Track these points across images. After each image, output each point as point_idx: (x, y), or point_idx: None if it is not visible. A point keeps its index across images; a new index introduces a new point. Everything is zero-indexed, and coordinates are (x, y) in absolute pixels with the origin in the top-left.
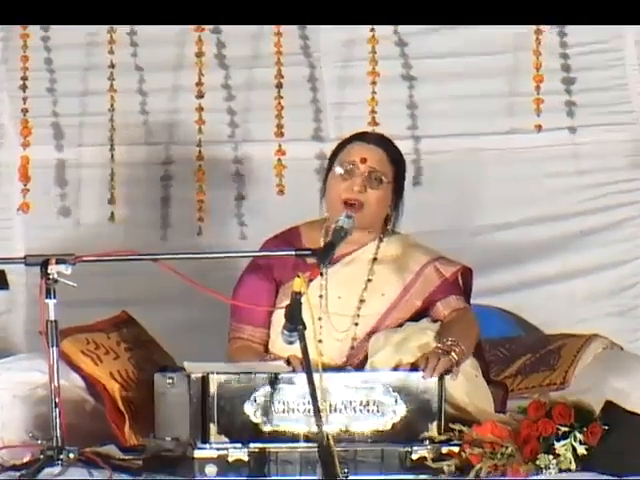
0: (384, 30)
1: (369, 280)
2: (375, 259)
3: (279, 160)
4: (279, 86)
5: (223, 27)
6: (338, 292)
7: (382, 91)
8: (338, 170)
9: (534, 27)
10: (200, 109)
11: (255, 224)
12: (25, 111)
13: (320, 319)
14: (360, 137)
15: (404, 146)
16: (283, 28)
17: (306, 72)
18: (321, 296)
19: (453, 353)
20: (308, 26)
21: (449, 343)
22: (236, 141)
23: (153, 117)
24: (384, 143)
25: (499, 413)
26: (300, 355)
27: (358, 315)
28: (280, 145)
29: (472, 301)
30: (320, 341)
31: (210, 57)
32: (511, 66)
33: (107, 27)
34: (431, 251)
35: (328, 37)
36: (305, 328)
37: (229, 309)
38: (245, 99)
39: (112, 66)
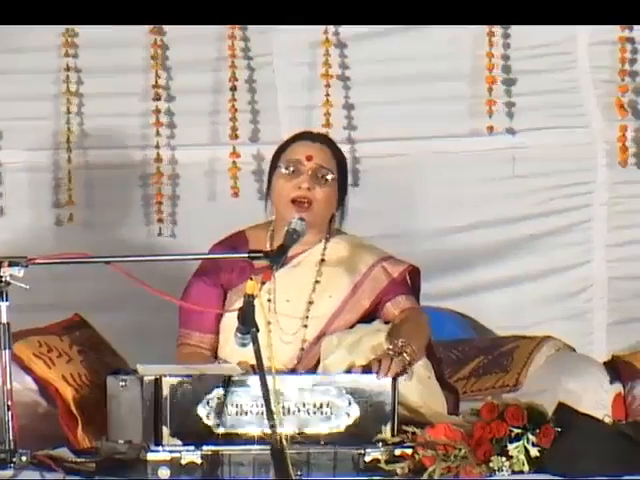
0: (325, 31)
1: (317, 282)
2: (323, 260)
3: (234, 163)
4: (233, 89)
5: (172, 30)
6: (286, 295)
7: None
8: (283, 170)
9: (486, 28)
10: (157, 111)
11: (204, 227)
12: None
13: (269, 323)
14: (303, 136)
15: (350, 149)
16: (234, 31)
17: (251, 75)
18: (269, 300)
19: (405, 354)
20: (256, 27)
21: (400, 344)
22: (179, 144)
23: (97, 121)
24: (327, 141)
25: (452, 415)
26: (251, 360)
27: (307, 317)
28: (235, 148)
29: (424, 303)
30: (269, 344)
31: (156, 60)
32: (463, 69)
33: (54, 30)
34: (378, 251)
35: (278, 39)
36: (258, 330)
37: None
38: (195, 102)
39: (58, 70)
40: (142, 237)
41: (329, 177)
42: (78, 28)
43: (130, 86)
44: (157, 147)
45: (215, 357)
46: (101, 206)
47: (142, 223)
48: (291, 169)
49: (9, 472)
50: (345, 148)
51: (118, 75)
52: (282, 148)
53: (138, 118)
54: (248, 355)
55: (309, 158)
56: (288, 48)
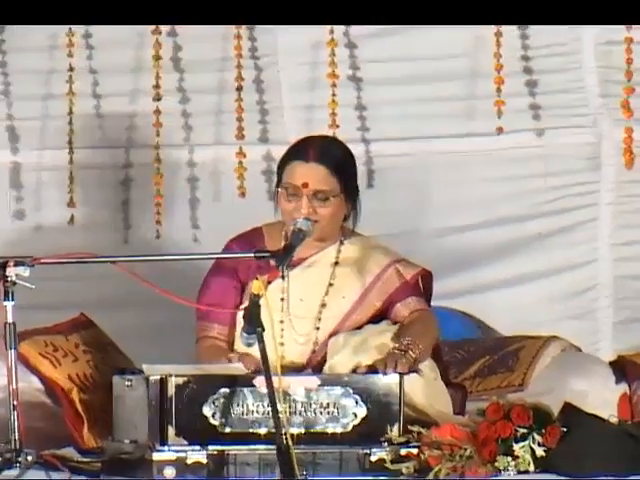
0: (335, 32)
1: (330, 284)
2: (337, 262)
3: (240, 163)
4: (239, 89)
5: (179, 30)
6: (300, 295)
7: (339, 94)
8: (284, 190)
9: (494, 29)
10: (157, 112)
11: (211, 227)
12: None
13: (282, 322)
14: (300, 154)
15: (358, 149)
16: (240, 31)
17: (257, 75)
18: (283, 299)
19: (410, 352)
20: (262, 27)
21: (406, 342)
22: (192, 144)
23: (111, 120)
24: (325, 156)
25: (458, 415)
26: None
27: (319, 319)
28: (241, 147)
29: (431, 303)
30: (282, 344)
31: (166, 60)
32: (471, 68)
33: (65, 30)
34: (392, 253)
35: (284, 39)
36: (264, 330)
37: (192, 311)
38: (201, 102)
39: (70, 69)
40: (151, 237)
41: (330, 196)
42: (85, 28)
43: (137, 85)
44: (157, 147)
45: (231, 350)
46: (108, 206)
47: (152, 223)
48: (290, 192)
49: (15, 472)
50: (354, 148)
51: (123, 75)
52: (282, 163)
53: (149, 118)
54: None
55: (305, 185)
56: (294, 48)
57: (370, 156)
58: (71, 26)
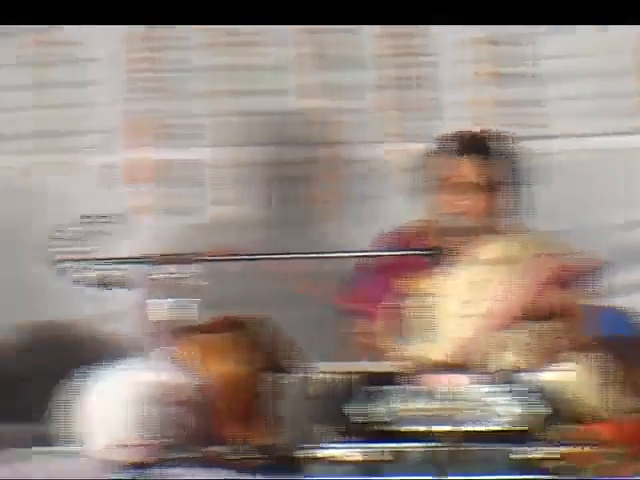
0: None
1: (486, 280)
2: (490, 258)
3: (398, 159)
4: (398, 87)
5: (338, 28)
6: (454, 292)
7: (504, 91)
8: (433, 183)
9: None
10: (318, 110)
11: (375, 224)
12: (142, 113)
13: (434, 319)
14: (454, 147)
15: (531, 146)
16: (398, 29)
17: (421, 72)
18: (437, 296)
19: (563, 348)
20: (422, 26)
21: (559, 338)
22: (358, 141)
23: (279, 118)
24: (474, 148)
25: (615, 412)
26: (416, 353)
27: (475, 316)
28: (398, 144)
29: (597, 301)
30: (434, 342)
31: (319, 57)
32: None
33: (244, 28)
34: (551, 246)
35: (446, 37)
36: (417, 328)
37: (347, 309)
38: (364, 99)
39: (242, 67)
40: (316, 235)
41: (483, 187)
42: (256, 27)
43: (299, 83)
44: (325, 145)
45: (382, 347)
46: (278, 203)
47: (319, 221)
48: (440, 184)
49: (177, 470)
50: (533, 143)
51: (290, 72)
52: (435, 157)
53: (314, 115)
54: (416, 349)
55: (457, 177)
56: (456, 45)
57: (541, 152)
58: (246, 26)
